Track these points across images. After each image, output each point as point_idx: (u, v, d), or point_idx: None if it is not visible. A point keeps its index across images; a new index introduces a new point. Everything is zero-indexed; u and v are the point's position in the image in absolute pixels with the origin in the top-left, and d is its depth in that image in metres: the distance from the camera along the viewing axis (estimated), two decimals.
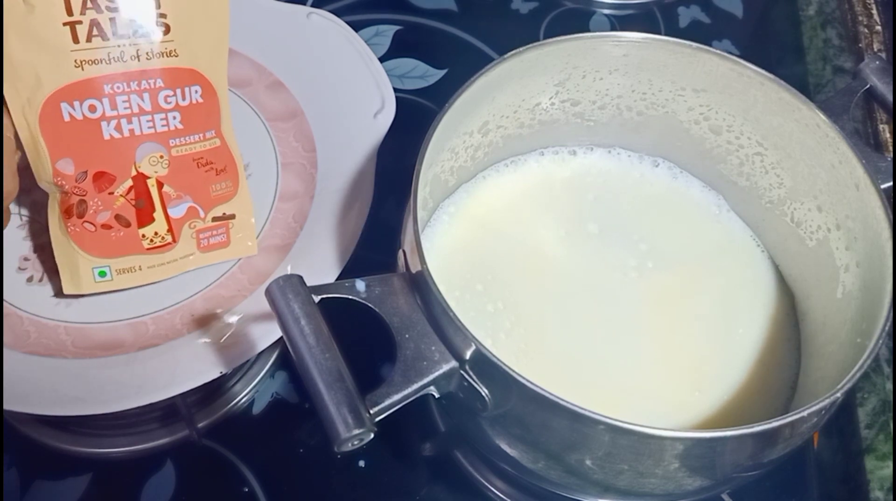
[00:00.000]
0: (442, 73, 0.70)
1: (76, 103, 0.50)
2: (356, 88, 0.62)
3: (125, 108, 0.51)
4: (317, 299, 0.39)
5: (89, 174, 0.51)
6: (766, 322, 0.51)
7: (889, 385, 0.53)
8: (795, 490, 0.54)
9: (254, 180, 0.59)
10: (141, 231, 0.52)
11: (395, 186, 0.59)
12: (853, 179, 0.46)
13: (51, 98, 0.50)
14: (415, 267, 0.41)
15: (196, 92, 0.53)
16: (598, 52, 0.51)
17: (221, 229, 0.54)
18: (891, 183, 0.47)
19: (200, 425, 0.53)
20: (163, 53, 0.52)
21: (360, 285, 0.41)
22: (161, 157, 0.52)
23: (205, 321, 0.52)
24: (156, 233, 0.52)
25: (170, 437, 0.53)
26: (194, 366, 0.50)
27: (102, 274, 0.51)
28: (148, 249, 0.52)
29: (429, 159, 0.44)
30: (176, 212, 0.53)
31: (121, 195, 0.52)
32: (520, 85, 0.51)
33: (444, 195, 0.53)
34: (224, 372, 0.49)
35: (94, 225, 0.51)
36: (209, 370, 0.49)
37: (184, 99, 0.53)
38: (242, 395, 0.55)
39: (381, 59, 0.65)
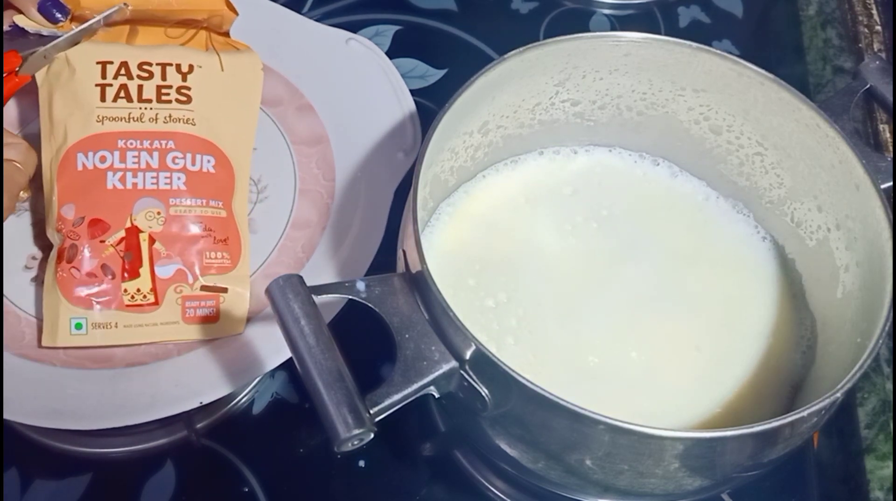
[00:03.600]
0: (442, 73, 0.70)
1: (90, 153, 0.53)
2: (385, 123, 0.61)
3: (133, 162, 0.53)
4: (317, 299, 0.39)
5: (86, 220, 0.52)
6: (766, 323, 0.51)
7: (889, 385, 0.53)
8: (795, 490, 0.54)
9: (269, 203, 0.58)
10: (124, 285, 0.51)
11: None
12: (853, 179, 0.46)
13: (71, 149, 0.53)
14: (415, 267, 0.41)
15: (209, 162, 0.54)
16: (598, 52, 0.51)
17: (211, 302, 0.52)
18: (891, 183, 0.47)
19: (200, 425, 0.53)
20: (180, 120, 0.55)
21: (360, 285, 0.41)
22: (158, 213, 0.52)
23: (197, 345, 0.52)
24: (138, 290, 0.51)
25: (169, 437, 0.53)
26: (174, 392, 0.50)
27: (79, 326, 0.50)
28: (128, 305, 0.51)
29: (429, 159, 0.44)
30: (163, 272, 0.52)
31: (111, 245, 0.51)
32: (520, 85, 0.51)
33: (444, 195, 0.53)
34: (203, 403, 0.49)
35: (79, 271, 0.51)
36: (189, 398, 0.49)
37: (193, 164, 0.54)
38: (242, 395, 0.55)
39: None
